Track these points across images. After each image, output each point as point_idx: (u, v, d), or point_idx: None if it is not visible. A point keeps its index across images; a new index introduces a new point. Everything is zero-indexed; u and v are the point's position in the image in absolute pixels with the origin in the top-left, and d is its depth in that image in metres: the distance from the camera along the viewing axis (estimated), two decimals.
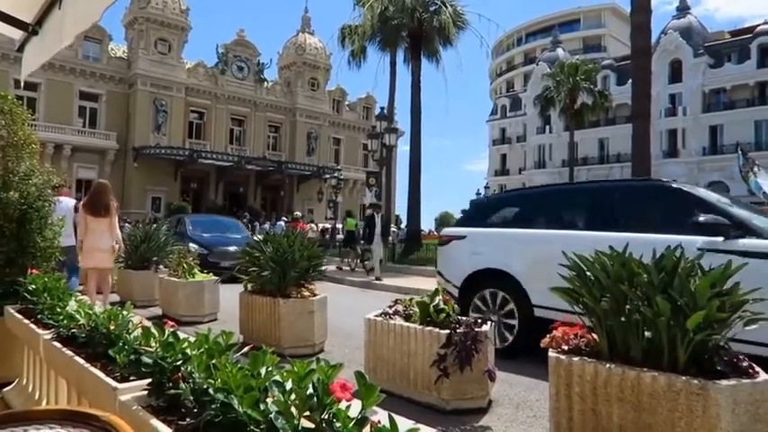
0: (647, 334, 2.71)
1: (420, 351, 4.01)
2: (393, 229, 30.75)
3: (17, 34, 3.81)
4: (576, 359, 2.90)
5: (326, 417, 1.30)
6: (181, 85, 43.45)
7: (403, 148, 47.29)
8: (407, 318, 4.34)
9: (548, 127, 58.58)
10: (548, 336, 3.24)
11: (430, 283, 12.50)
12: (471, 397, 3.97)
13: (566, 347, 3.09)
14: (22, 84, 3.87)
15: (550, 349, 3.12)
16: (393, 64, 24.66)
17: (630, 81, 13.77)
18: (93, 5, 2.52)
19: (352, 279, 14.30)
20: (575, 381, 2.87)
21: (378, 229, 14.25)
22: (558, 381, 2.98)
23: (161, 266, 8.84)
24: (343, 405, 1.31)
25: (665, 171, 47.56)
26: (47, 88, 37.74)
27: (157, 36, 42.52)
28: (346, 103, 57.59)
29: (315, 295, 5.77)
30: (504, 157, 67.38)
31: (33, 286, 3.63)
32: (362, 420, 1.23)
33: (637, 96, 12.69)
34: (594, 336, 3.06)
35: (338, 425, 1.24)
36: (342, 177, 42.74)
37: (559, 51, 57.77)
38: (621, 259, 2.91)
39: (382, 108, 21.73)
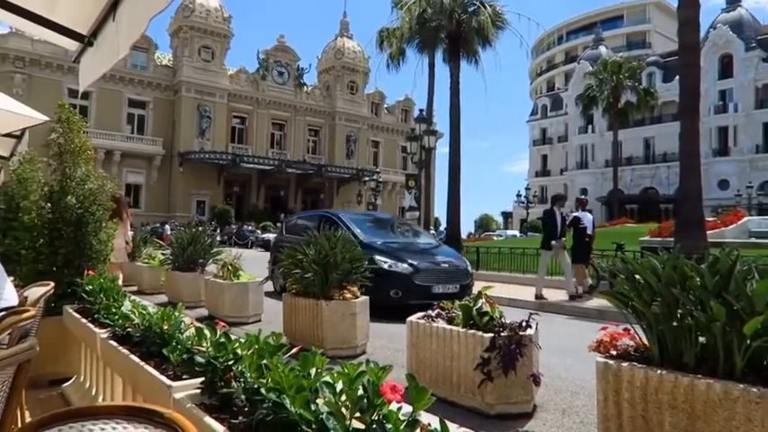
0: (700, 339, 2.62)
1: (463, 354, 3.98)
2: (432, 231, 30.73)
3: (73, 46, 3.97)
4: (624, 365, 2.83)
5: (376, 418, 1.31)
6: (223, 91, 44.54)
7: (441, 150, 47.16)
8: (450, 321, 4.32)
9: (590, 126, 57.36)
10: (594, 340, 3.17)
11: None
12: (516, 401, 3.92)
13: (614, 352, 3.02)
14: (80, 94, 4.04)
15: (598, 354, 3.06)
16: (431, 66, 24.61)
17: (677, 77, 13.31)
18: (141, 15, 2.61)
19: None
20: (624, 387, 2.80)
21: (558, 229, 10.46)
22: (606, 387, 2.91)
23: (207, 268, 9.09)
24: (393, 407, 1.33)
25: (716, 170, 45.99)
26: (98, 96, 39.25)
27: (201, 44, 43.71)
28: (385, 105, 57.83)
29: (357, 297, 5.81)
30: (544, 157, 66.31)
31: (90, 287, 3.79)
32: (413, 423, 1.24)
33: (685, 93, 12.27)
34: (644, 340, 2.98)
35: (389, 426, 1.25)
36: (380, 180, 42.88)
37: (602, 49, 56.54)
38: (673, 262, 2.83)
39: (421, 110, 21.72)
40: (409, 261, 8.40)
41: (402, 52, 25.02)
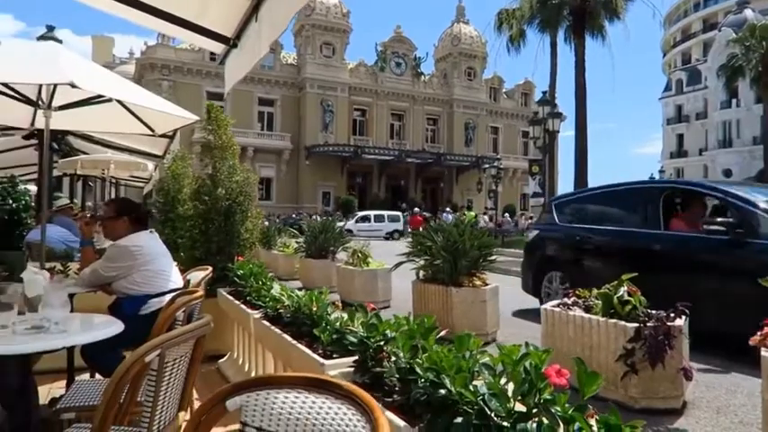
0: None
1: (604, 344, 3.80)
2: None
3: (219, 48, 4.29)
4: None
5: (539, 401, 1.29)
6: (344, 85, 46.03)
7: (564, 134, 45.06)
8: (587, 309, 4.15)
9: (734, 100, 51.52)
10: (758, 333, 2.87)
11: None
12: (663, 396, 3.67)
13: None
14: (225, 94, 4.38)
15: (763, 349, 2.77)
16: (553, 45, 23.61)
17: None
18: (283, 14, 2.75)
19: (519, 270, 13.95)
20: None
21: None
22: None
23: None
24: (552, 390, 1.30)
25: None
26: (232, 97, 42.26)
27: (322, 40, 45.47)
28: (503, 90, 56.35)
29: (486, 285, 5.77)
30: (680, 137, 60.75)
31: (241, 271, 4.12)
32: (582, 408, 1.21)
33: None
34: None
35: (557, 410, 1.23)
36: (501, 167, 41.88)
37: (747, 12, 50.32)
38: None
39: (544, 92, 20.83)
40: None
41: (522, 33, 24.26)
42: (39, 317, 2.03)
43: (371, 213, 34.18)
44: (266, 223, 15.63)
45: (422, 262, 6.28)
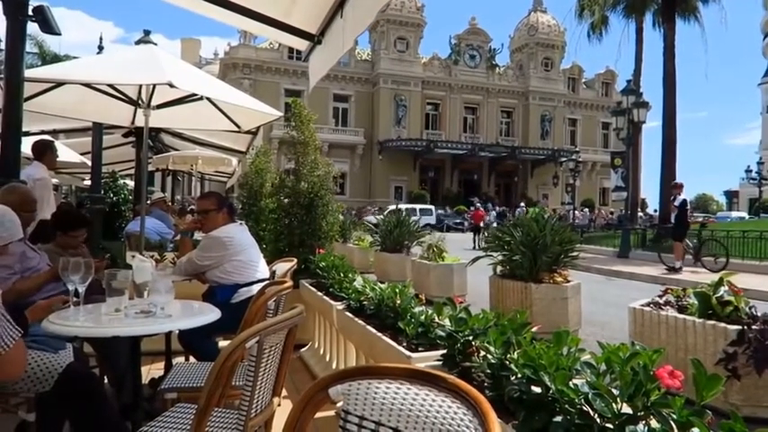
0: None
1: (701, 347, 3.58)
2: (640, 214, 28.27)
3: (303, 45, 4.39)
4: None
5: (648, 403, 1.23)
6: (418, 79, 45.98)
7: (648, 125, 42.68)
8: (681, 309, 3.92)
9: None
10: None
11: (690, 274, 11.05)
12: None
13: None
14: (310, 89, 4.47)
15: None
16: (639, 31, 22.40)
17: None
18: (366, 10, 2.77)
19: (599, 267, 13.48)
20: None
21: None
22: None
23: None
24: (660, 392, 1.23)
25: None
26: (309, 94, 43.30)
27: (396, 35, 45.58)
28: (583, 80, 54.22)
29: (568, 281, 5.58)
30: None
31: (323, 263, 4.21)
32: (701, 413, 1.14)
33: None
34: None
35: (670, 413, 1.16)
36: (579, 160, 40.41)
37: None
38: None
39: (628, 81, 19.77)
40: None
41: (605, 20, 23.18)
42: (146, 302, 2.17)
43: (403, 207, 34.07)
44: (341, 217, 15.94)
45: (499, 257, 6.16)
